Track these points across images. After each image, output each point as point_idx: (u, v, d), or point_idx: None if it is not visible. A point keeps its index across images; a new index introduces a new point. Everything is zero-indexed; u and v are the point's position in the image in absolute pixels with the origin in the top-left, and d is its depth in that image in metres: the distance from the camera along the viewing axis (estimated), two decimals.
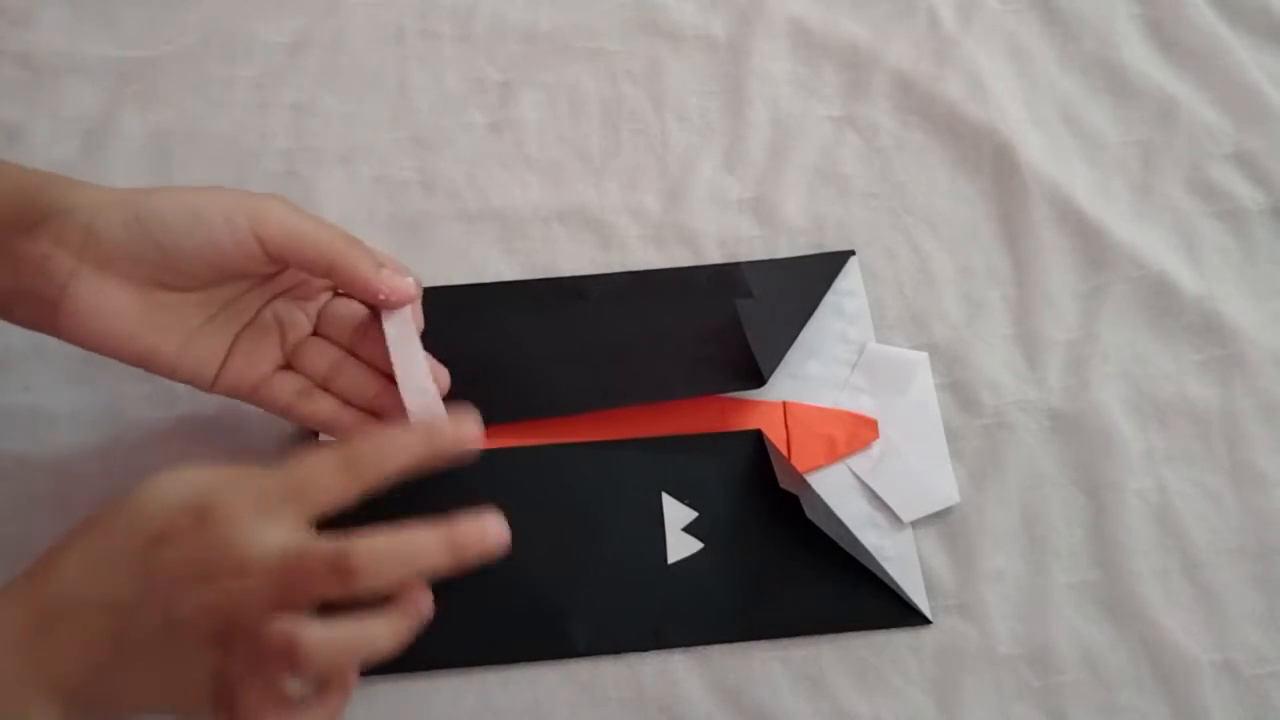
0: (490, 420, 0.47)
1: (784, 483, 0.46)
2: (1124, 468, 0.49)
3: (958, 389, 0.51)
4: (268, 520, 0.34)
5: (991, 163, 0.56)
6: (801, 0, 0.60)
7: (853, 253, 0.53)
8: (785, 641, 0.45)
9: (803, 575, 0.46)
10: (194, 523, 0.34)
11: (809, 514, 0.45)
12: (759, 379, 0.48)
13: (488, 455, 0.48)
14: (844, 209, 0.55)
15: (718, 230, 0.54)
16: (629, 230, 0.54)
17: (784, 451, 0.49)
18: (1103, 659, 0.45)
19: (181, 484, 0.36)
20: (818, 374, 0.51)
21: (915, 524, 0.47)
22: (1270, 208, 0.55)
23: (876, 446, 0.49)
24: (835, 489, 0.48)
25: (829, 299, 0.52)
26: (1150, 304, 0.52)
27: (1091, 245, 0.53)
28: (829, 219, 0.54)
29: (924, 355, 0.51)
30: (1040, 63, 0.59)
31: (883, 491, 0.48)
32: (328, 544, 0.34)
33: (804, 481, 0.48)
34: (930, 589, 0.46)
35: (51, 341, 0.49)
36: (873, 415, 0.50)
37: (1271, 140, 0.56)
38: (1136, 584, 0.47)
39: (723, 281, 0.52)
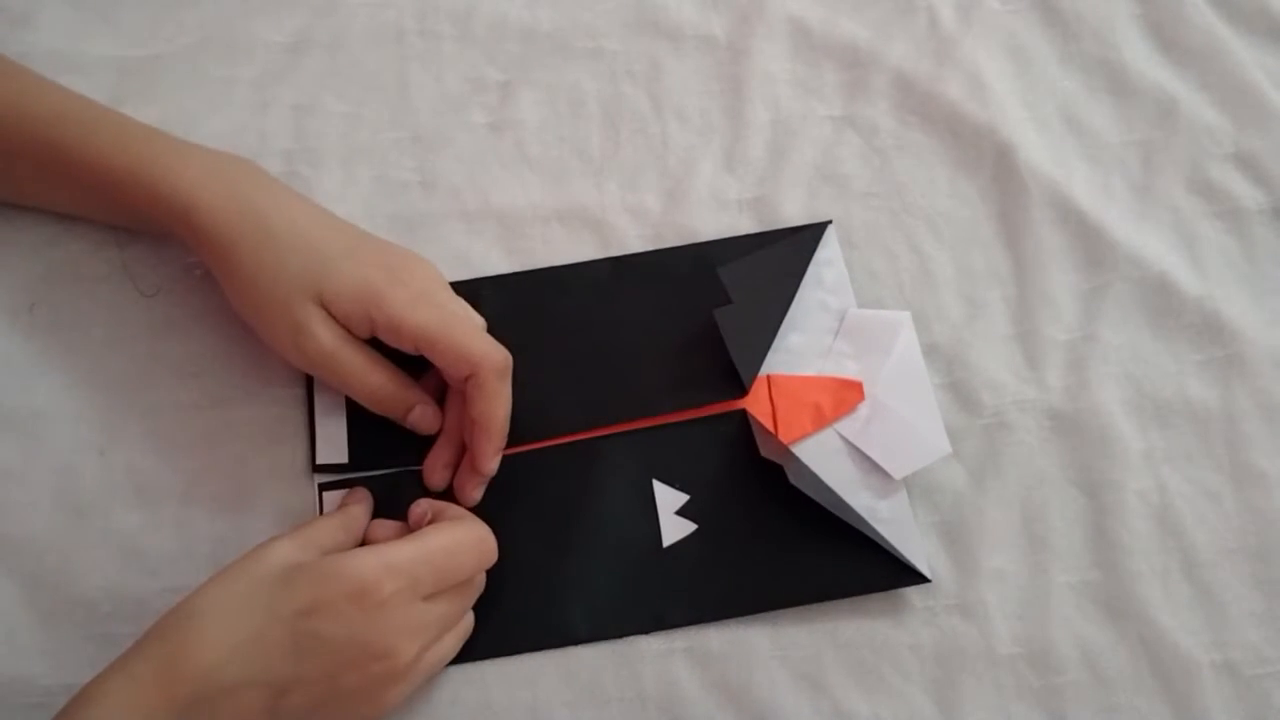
0: None
1: (765, 451, 0.46)
2: (1124, 468, 0.49)
3: (958, 389, 0.51)
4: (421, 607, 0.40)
5: (991, 163, 0.56)
6: (801, 0, 0.60)
7: (830, 222, 0.53)
8: (785, 642, 0.45)
9: (799, 546, 0.46)
10: (349, 600, 0.38)
11: (793, 480, 0.45)
12: (740, 388, 0.49)
13: None
14: (844, 209, 0.54)
15: (718, 230, 0.54)
16: (629, 230, 0.54)
17: (771, 424, 0.49)
18: (1103, 659, 0.45)
19: (307, 554, 0.40)
20: (800, 346, 0.51)
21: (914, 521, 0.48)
22: (1270, 208, 0.55)
23: (863, 408, 0.49)
24: (825, 455, 0.48)
25: (809, 270, 0.52)
26: (1150, 304, 0.52)
27: (1091, 245, 0.53)
28: (829, 219, 0.54)
29: (906, 314, 0.51)
30: (1040, 63, 0.59)
31: (872, 451, 0.48)
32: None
33: (788, 451, 0.48)
34: (930, 588, 0.46)
35: (51, 342, 0.50)
36: (858, 379, 0.50)
37: (1271, 140, 0.56)
38: (1136, 584, 0.47)
39: (704, 265, 0.52)
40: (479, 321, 0.47)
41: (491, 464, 0.46)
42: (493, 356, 0.45)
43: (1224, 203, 0.55)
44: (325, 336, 0.44)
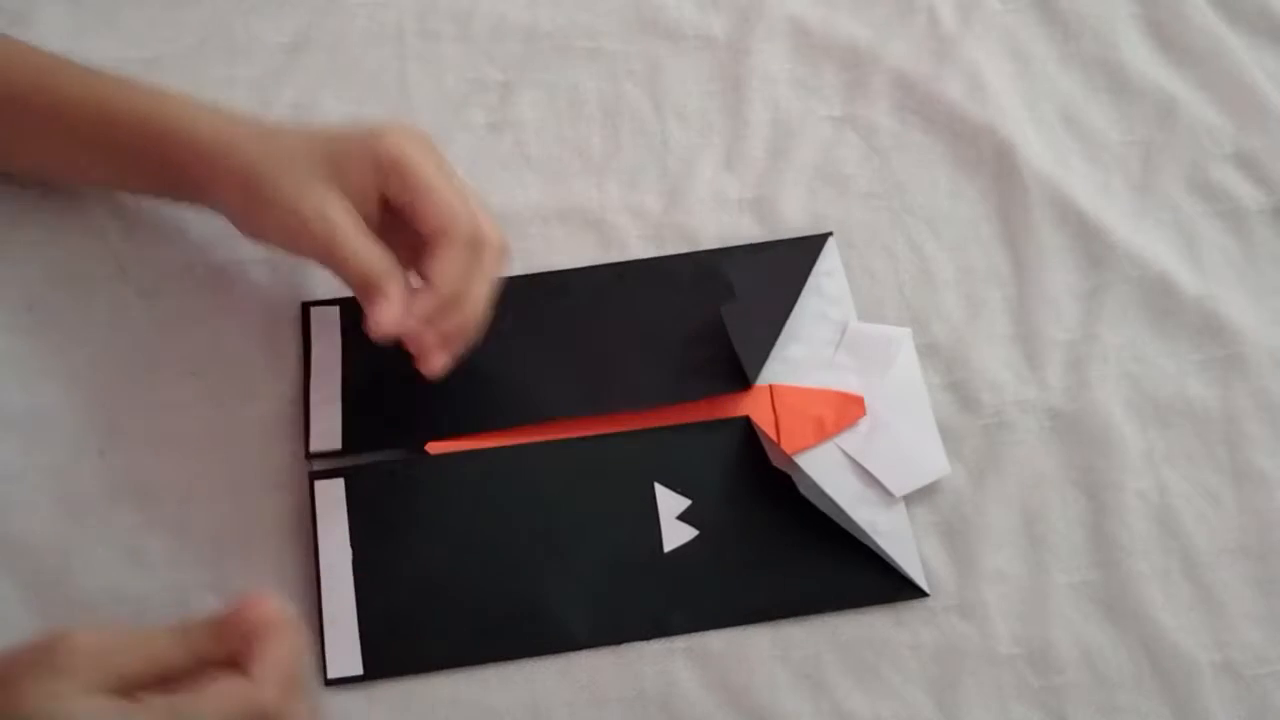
0: (477, 428, 0.48)
1: (776, 461, 0.46)
2: (1124, 468, 0.49)
3: (958, 389, 0.51)
4: None
5: (991, 163, 0.56)
6: (801, 0, 0.60)
7: (830, 234, 0.54)
8: (785, 642, 0.45)
9: (799, 556, 0.46)
10: None
11: (803, 491, 0.45)
12: (745, 381, 0.49)
13: (479, 455, 0.48)
14: (844, 209, 0.55)
15: (718, 230, 0.54)
16: (629, 230, 0.54)
17: (773, 435, 0.49)
18: (1103, 659, 0.45)
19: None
20: (802, 356, 0.51)
21: (914, 521, 0.48)
22: (1270, 208, 0.55)
23: (864, 423, 0.49)
24: (826, 468, 0.48)
25: (809, 281, 0.52)
26: (1150, 304, 0.52)
27: (1091, 245, 0.54)
28: (829, 219, 0.54)
29: (907, 330, 0.51)
30: (1040, 63, 0.59)
31: (873, 467, 0.48)
32: None
33: (794, 463, 0.48)
34: (931, 589, 0.46)
35: (51, 342, 0.50)
36: (859, 393, 0.50)
37: (1271, 140, 0.56)
38: (1136, 584, 0.47)
39: (705, 271, 0.52)
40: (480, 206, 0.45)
41: (422, 306, 0.43)
42: (465, 222, 0.43)
43: (1224, 203, 0.55)
44: (327, 200, 0.42)
